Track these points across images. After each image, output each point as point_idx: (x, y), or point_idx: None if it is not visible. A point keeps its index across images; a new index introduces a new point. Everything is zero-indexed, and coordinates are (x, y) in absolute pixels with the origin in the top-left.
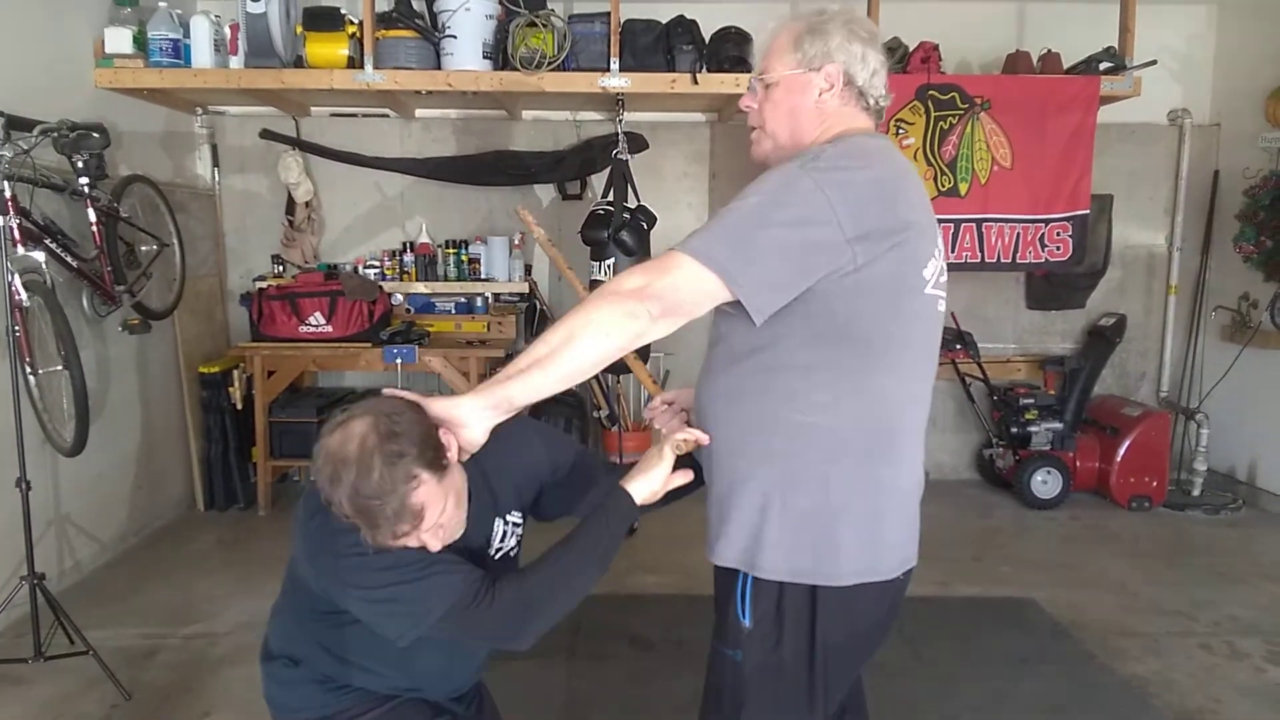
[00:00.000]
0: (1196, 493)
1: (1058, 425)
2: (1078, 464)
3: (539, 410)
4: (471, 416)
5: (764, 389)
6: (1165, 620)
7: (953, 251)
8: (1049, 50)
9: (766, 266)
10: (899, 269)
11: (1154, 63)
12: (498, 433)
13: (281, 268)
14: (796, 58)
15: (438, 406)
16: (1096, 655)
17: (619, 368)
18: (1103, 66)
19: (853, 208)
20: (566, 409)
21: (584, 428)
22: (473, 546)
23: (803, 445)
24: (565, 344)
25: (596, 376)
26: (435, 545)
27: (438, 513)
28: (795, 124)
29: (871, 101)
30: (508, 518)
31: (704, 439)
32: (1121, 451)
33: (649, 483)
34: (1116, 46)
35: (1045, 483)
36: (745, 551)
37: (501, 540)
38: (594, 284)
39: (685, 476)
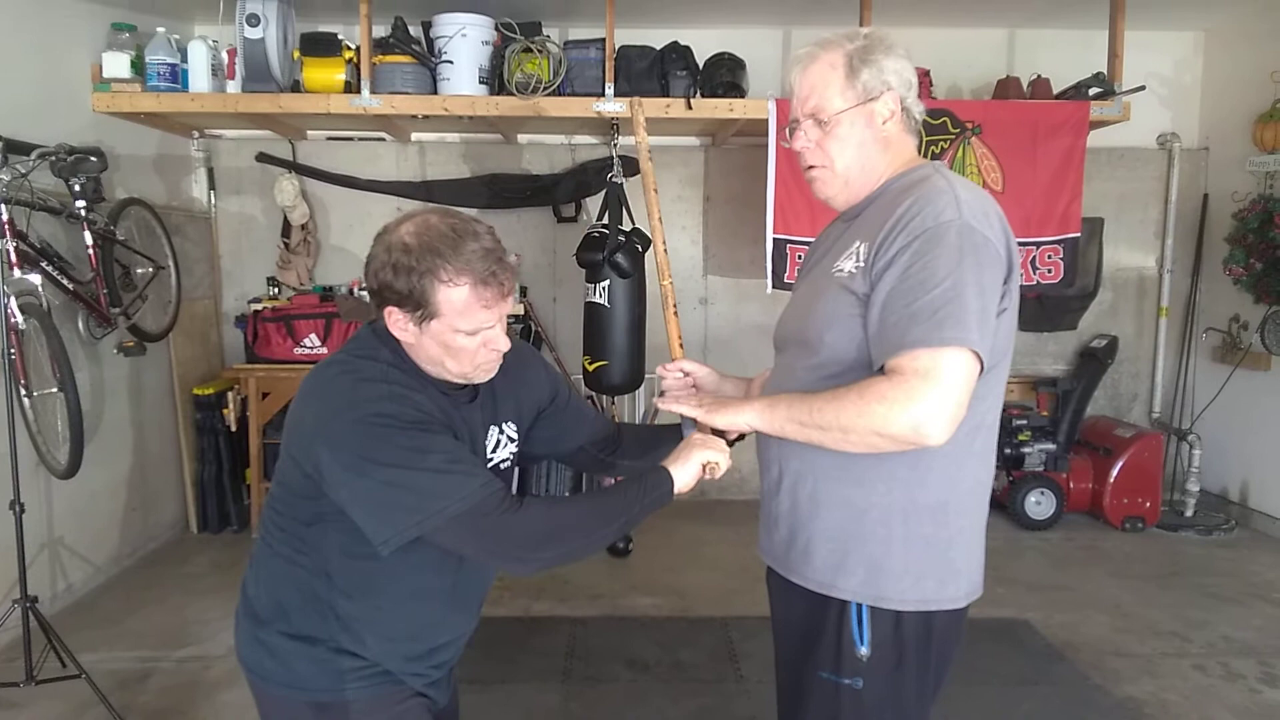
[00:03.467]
0: (1189, 513)
1: (1051, 446)
2: (1071, 485)
3: None
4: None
5: None
6: (1159, 641)
7: None
8: (1039, 76)
9: (992, 327)
10: (1011, 295)
11: (1142, 88)
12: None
13: (277, 290)
14: (855, 91)
15: (721, 419)
16: (1091, 676)
17: (622, 387)
18: (1092, 92)
19: (1003, 247)
20: None
21: None
22: (468, 441)
23: (926, 473)
24: (836, 435)
25: (591, 396)
26: (504, 344)
27: (490, 315)
28: (865, 159)
29: (916, 120)
30: (503, 426)
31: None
32: (1114, 472)
33: (686, 472)
34: (1105, 72)
35: (1039, 504)
36: (867, 583)
37: (495, 450)
38: (590, 306)
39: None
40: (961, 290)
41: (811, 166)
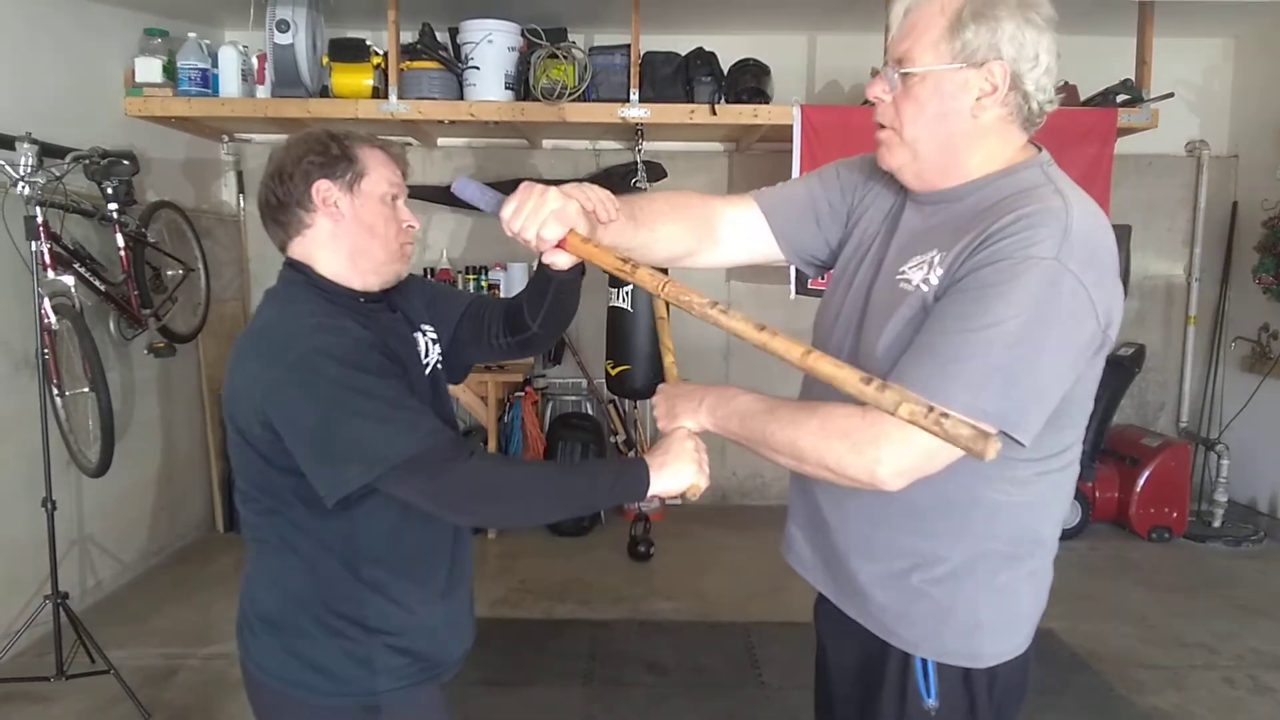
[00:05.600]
0: (1217, 524)
1: None
2: (1097, 494)
3: (556, 436)
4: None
5: (958, 464)
6: (1186, 653)
7: None
8: (1066, 83)
9: (1046, 398)
10: (1106, 343)
11: (1171, 95)
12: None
13: None
14: (954, 47)
15: (681, 423)
16: (1116, 687)
17: (644, 391)
18: (1120, 99)
19: (1107, 294)
20: (583, 434)
21: (601, 452)
22: (405, 354)
23: (1003, 524)
24: (788, 459)
25: (613, 401)
26: (415, 220)
27: (400, 179)
28: (946, 135)
29: (1036, 107)
30: (424, 329)
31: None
32: (1141, 482)
33: (667, 482)
34: (1134, 79)
35: None
36: (929, 637)
37: (426, 354)
38: (612, 310)
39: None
40: (1000, 347)
41: (882, 126)
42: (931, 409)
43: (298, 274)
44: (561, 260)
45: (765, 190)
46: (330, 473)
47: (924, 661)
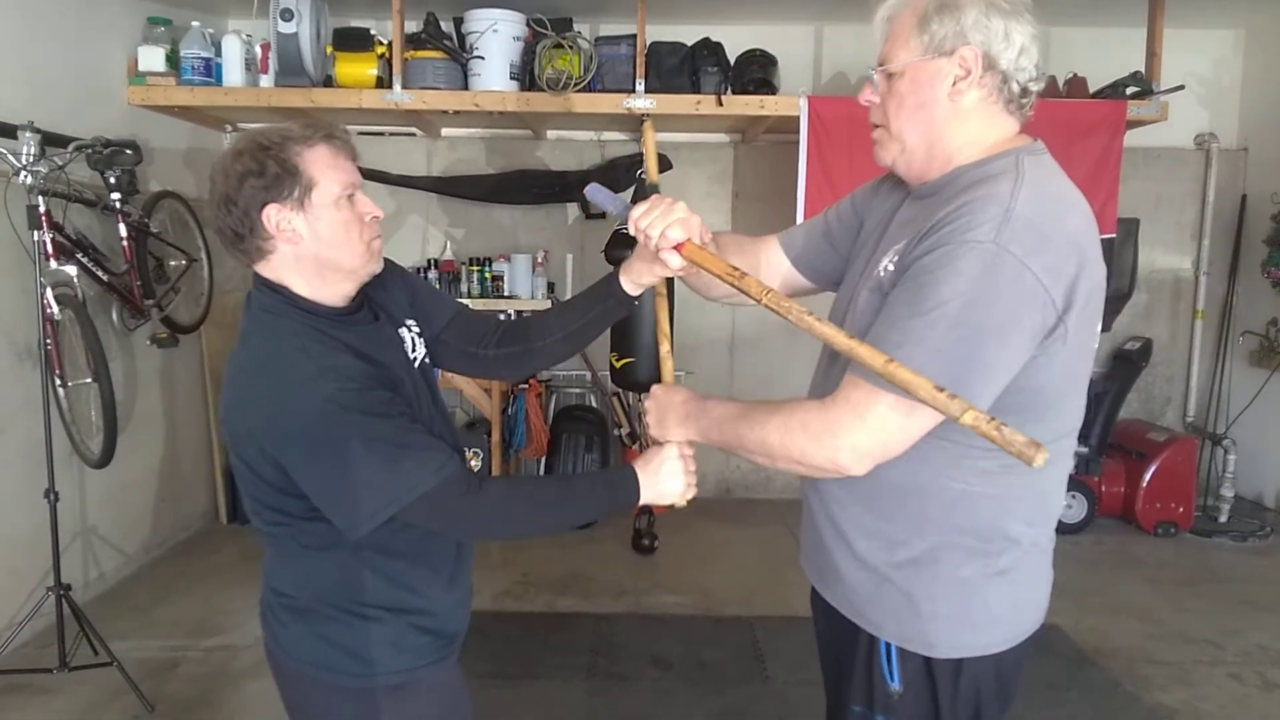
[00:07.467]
0: (1223, 519)
1: (1083, 449)
2: (1103, 489)
3: (559, 428)
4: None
5: (922, 452)
6: (1193, 649)
7: None
8: (1075, 75)
9: (992, 383)
10: (1089, 327)
11: (1181, 88)
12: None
13: None
14: (923, 41)
15: (671, 435)
16: (1122, 683)
17: (649, 384)
18: (1129, 91)
19: (1061, 279)
20: (587, 426)
21: (604, 444)
22: (395, 363)
23: (964, 515)
24: (762, 458)
25: (618, 393)
26: (378, 209)
27: (351, 170)
28: (928, 124)
29: (1017, 88)
30: (408, 325)
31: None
32: (1147, 477)
33: (655, 491)
34: (1143, 71)
35: (1070, 507)
36: (894, 621)
37: (414, 349)
38: None
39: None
40: (941, 331)
41: (876, 126)
42: (992, 419)
43: (277, 295)
44: (674, 261)
45: (789, 229)
46: (346, 515)
47: (888, 645)
